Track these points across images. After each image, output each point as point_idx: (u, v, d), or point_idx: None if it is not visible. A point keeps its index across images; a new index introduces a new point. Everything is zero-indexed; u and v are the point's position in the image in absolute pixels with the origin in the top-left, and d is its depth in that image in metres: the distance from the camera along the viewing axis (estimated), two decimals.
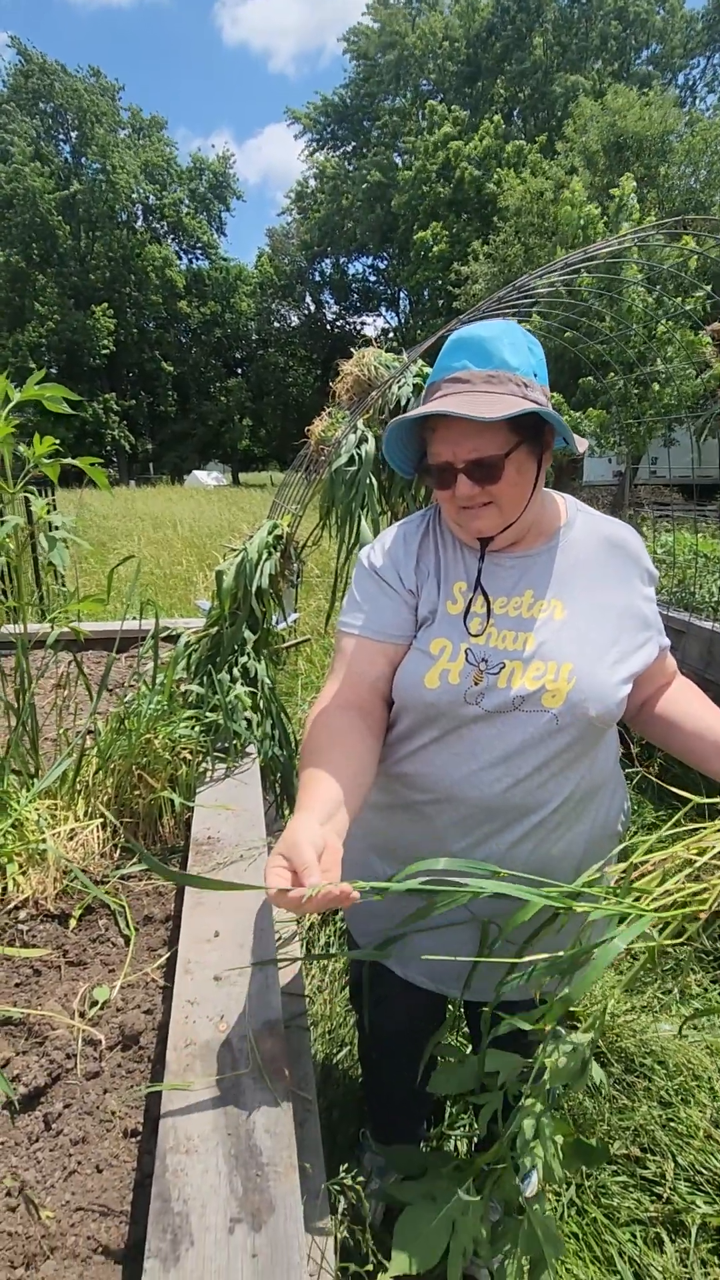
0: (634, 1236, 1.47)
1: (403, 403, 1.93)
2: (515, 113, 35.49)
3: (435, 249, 31.78)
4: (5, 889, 1.41)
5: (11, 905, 1.37)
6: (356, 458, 1.89)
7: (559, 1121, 0.72)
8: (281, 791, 2.06)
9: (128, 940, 1.32)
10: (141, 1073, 1.03)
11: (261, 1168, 0.73)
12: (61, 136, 38.97)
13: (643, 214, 10.56)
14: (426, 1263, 0.70)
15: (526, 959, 0.78)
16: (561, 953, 0.79)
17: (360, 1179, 1.00)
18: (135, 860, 1.57)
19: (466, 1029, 1.71)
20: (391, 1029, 1.37)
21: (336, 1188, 0.90)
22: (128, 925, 1.35)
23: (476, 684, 1.04)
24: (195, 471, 40.73)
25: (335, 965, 1.91)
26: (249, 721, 1.81)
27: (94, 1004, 1.14)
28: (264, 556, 1.87)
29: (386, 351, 2.14)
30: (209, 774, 1.72)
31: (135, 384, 42.75)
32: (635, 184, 10.43)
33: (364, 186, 36.08)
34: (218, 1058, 0.86)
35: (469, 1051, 1.70)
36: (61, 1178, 0.87)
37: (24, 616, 1.64)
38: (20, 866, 1.45)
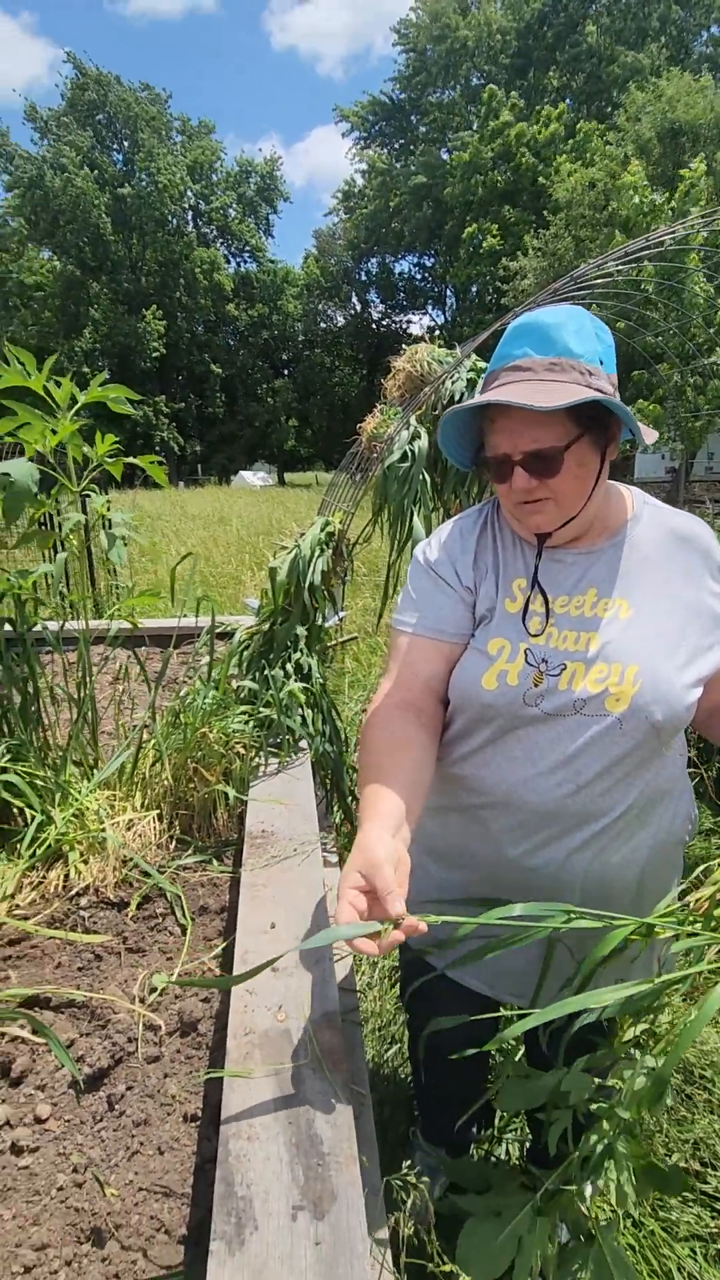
0: (694, 1252, 1.43)
1: (456, 398, 1.91)
2: (568, 102, 34.81)
3: (486, 243, 31.44)
4: (67, 876, 1.46)
5: (74, 892, 1.41)
6: (409, 454, 1.88)
7: (633, 1142, 0.70)
8: (332, 787, 2.07)
9: (184, 929, 1.34)
10: (200, 1059, 1.04)
11: (322, 1157, 0.73)
12: (114, 146, 39.98)
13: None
14: (489, 1276, 0.69)
15: (605, 992, 0.73)
16: (639, 985, 0.74)
17: (414, 1178, 0.99)
18: (190, 851, 1.60)
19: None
20: (442, 1031, 1.36)
21: (399, 1183, 0.89)
22: (184, 915, 1.37)
23: (536, 685, 1.01)
24: (242, 472, 41.28)
25: (385, 962, 1.91)
26: (302, 717, 1.82)
27: (153, 990, 1.16)
28: (317, 553, 1.88)
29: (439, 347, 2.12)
30: (262, 768, 1.74)
31: (185, 386, 43.57)
32: (705, 166, 10.07)
33: (411, 184, 35.96)
34: (277, 1047, 0.87)
35: (519, 1056, 1.67)
36: (125, 1158, 0.89)
37: (85, 611, 1.68)
38: (81, 855, 1.50)
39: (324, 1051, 0.87)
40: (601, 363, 0.94)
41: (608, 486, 1.06)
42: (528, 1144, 1.59)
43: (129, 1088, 0.98)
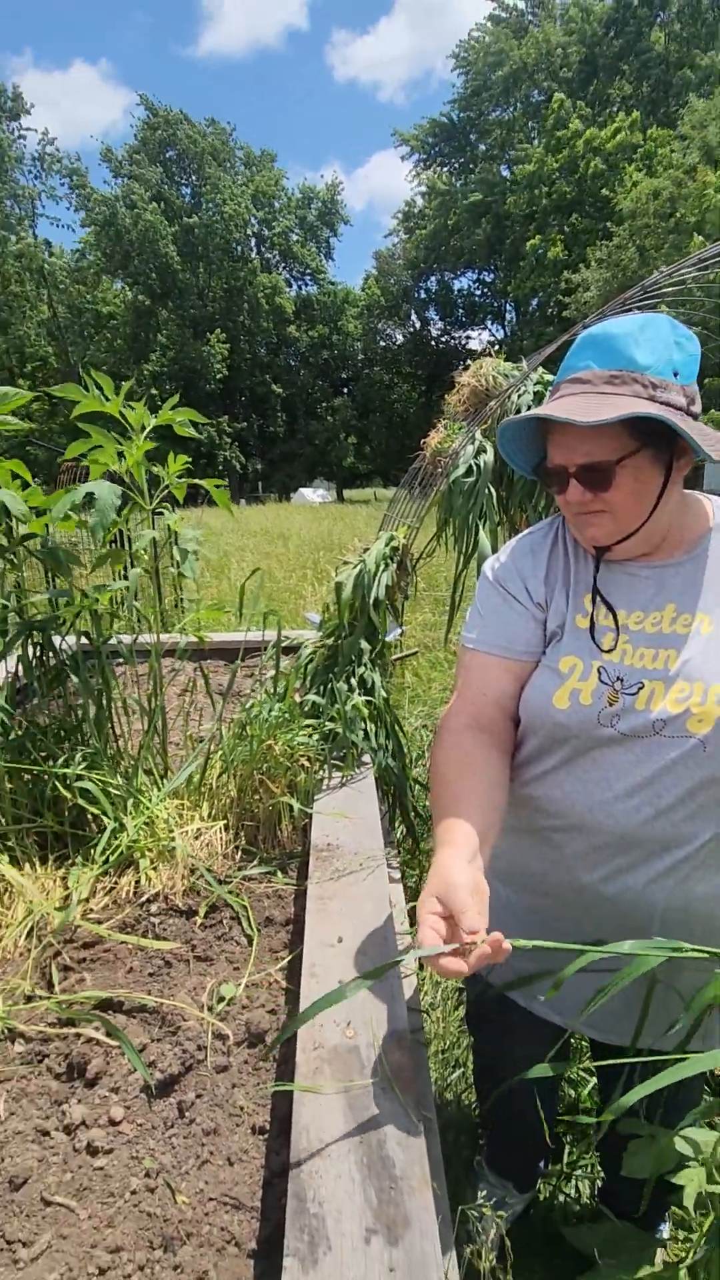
0: None
1: (522, 410, 1.90)
2: (637, 110, 34.37)
3: (550, 252, 31.21)
4: (138, 882, 1.49)
5: (144, 898, 1.44)
6: (475, 468, 1.88)
7: None
8: (394, 802, 2.06)
9: (250, 940, 1.35)
10: (267, 1071, 1.05)
11: (395, 1180, 0.72)
12: (183, 180, 41.73)
13: None
14: None
15: None
16: None
17: (489, 1209, 0.97)
18: (255, 862, 1.61)
19: (588, 1064, 1.63)
20: (510, 1059, 1.32)
21: (473, 1213, 0.87)
22: (250, 926, 1.38)
23: (611, 705, 0.98)
24: (302, 489, 41.97)
25: (449, 982, 1.87)
26: (365, 731, 1.82)
27: (221, 999, 1.17)
28: (381, 568, 1.88)
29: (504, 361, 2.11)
30: (325, 782, 1.75)
31: (247, 407, 44.73)
32: None
33: (470, 201, 36.13)
34: (345, 1064, 0.86)
35: (589, 1089, 1.61)
36: (195, 1166, 0.90)
37: (157, 625, 1.74)
38: (151, 862, 1.53)
39: (393, 1071, 0.86)
40: (676, 374, 0.90)
41: (683, 498, 1.02)
42: (599, 1183, 1.53)
43: (198, 1095, 0.99)
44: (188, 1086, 1.00)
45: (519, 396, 1.91)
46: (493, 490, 1.91)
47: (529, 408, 1.91)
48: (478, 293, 43.74)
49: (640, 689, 0.97)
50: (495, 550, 1.94)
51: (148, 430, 1.60)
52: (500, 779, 1.03)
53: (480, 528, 1.87)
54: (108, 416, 1.61)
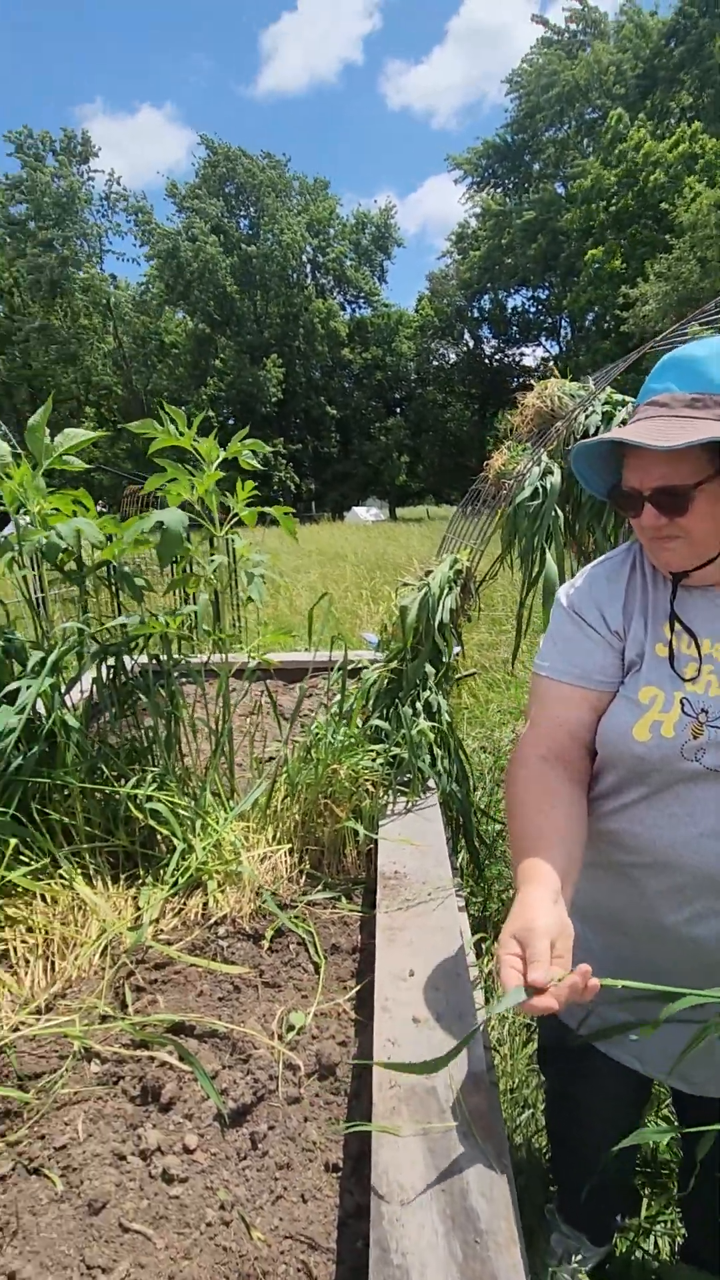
0: None
1: (591, 431, 1.87)
2: (694, 120, 33.86)
3: (608, 265, 30.92)
4: (206, 904, 1.51)
5: (212, 920, 1.45)
6: (541, 490, 1.85)
7: None
8: (458, 828, 2.03)
9: (317, 968, 1.34)
10: (339, 1105, 1.03)
11: (480, 1234, 0.69)
12: (241, 212, 43.19)
13: None
14: None
15: None
16: None
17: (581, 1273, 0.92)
18: (320, 887, 1.61)
19: (669, 1112, 1.55)
20: (588, 1105, 1.27)
21: (550, 1266, 0.83)
22: (317, 953, 1.38)
23: (695, 738, 0.94)
24: (355, 508, 42.34)
25: (517, 1019, 1.82)
26: (431, 756, 1.81)
27: (290, 1028, 1.17)
28: (446, 591, 1.87)
29: (570, 380, 2.09)
30: (390, 807, 1.74)
31: (302, 428, 45.58)
32: None
33: (525, 220, 36.17)
34: (423, 1105, 0.84)
35: (670, 1140, 1.53)
36: (269, 1201, 0.89)
37: (226, 647, 1.77)
38: (219, 884, 1.55)
39: (473, 1115, 0.83)
40: None
41: None
42: (680, 1240, 1.44)
43: (270, 1127, 0.98)
44: (260, 1117, 1.00)
45: (586, 417, 1.88)
46: (559, 512, 1.88)
47: (598, 428, 1.88)
48: (531, 309, 43.59)
49: None
50: (562, 573, 1.91)
51: (217, 462, 1.65)
52: (580, 813, 1.00)
53: (547, 550, 1.84)
54: (178, 447, 1.67)
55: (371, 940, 1.41)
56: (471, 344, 46.14)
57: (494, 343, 45.77)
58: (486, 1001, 1.82)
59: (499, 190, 40.26)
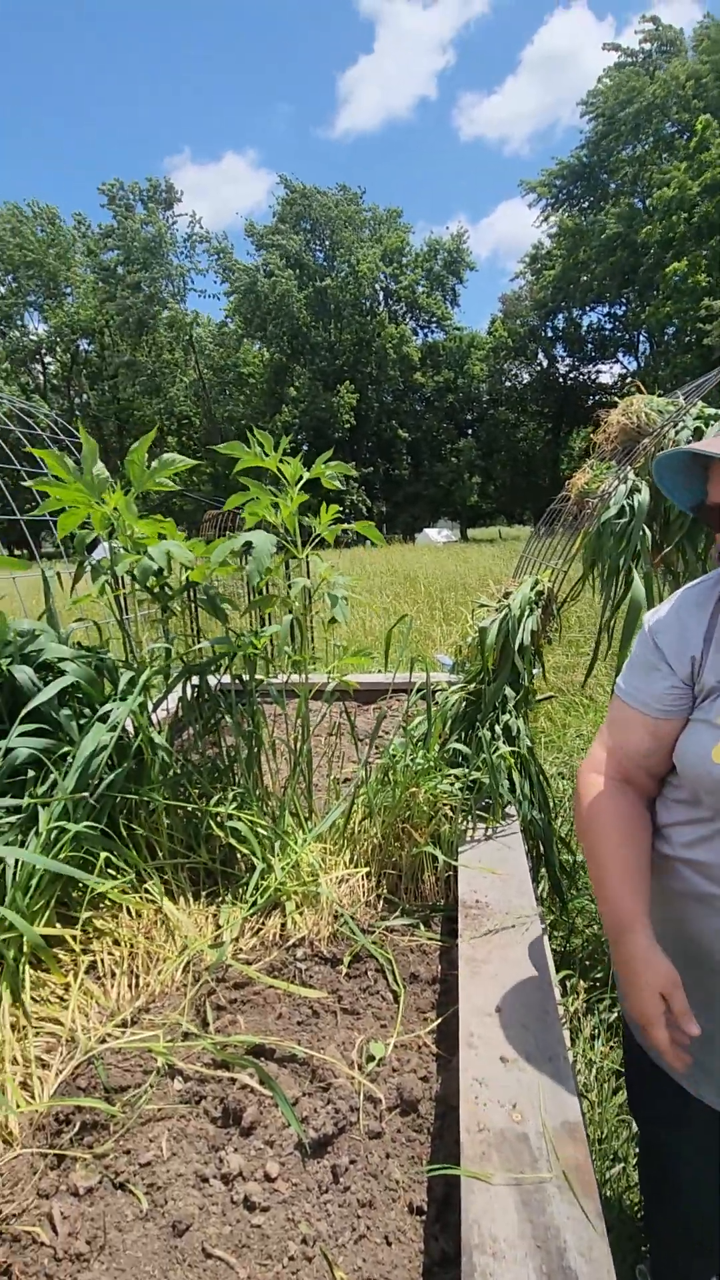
0: None
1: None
2: None
3: (691, 279, 30.06)
4: (284, 925, 1.51)
5: (290, 942, 1.45)
6: (627, 509, 1.79)
7: None
8: (540, 857, 1.96)
9: (396, 996, 1.31)
10: (421, 1144, 1.00)
11: None
12: (317, 246, 44.57)
13: None
14: None
15: None
16: None
17: None
18: (398, 913, 1.58)
19: None
20: (684, 1158, 1.18)
21: None
22: (395, 981, 1.35)
23: None
24: (426, 529, 42.36)
25: (606, 1062, 1.72)
26: (511, 781, 1.76)
27: (370, 1058, 1.14)
28: (526, 613, 1.83)
29: (658, 396, 2.02)
30: (469, 833, 1.69)
31: (373, 452, 46.12)
32: None
33: (604, 237, 35.71)
34: (515, 1152, 0.80)
35: None
36: (351, 1240, 0.86)
37: (305, 668, 1.78)
38: (297, 905, 1.54)
39: (568, 1168, 0.79)
40: None
41: None
42: None
43: (352, 1161, 0.96)
44: (341, 1149, 0.98)
45: (677, 432, 1.81)
46: (648, 531, 1.81)
47: (689, 444, 1.81)
48: (608, 326, 42.83)
49: None
50: (649, 595, 1.83)
51: (301, 482, 1.68)
52: (649, 840, 1.05)
53: (634, 571, 1.78)
54: (259, 469, 1.71)
55: (452, 971, 1.38)
56: (545, 363, 45.64)
57: (568, 361, 45.13)
58: (573, 1042, 1.74)
59: (574, 210, 39.96)
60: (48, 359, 42.90)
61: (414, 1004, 1.31)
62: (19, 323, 41.46)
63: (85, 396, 41.68)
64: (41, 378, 42.71)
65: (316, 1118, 1.01)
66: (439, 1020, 1.23)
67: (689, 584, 1.13)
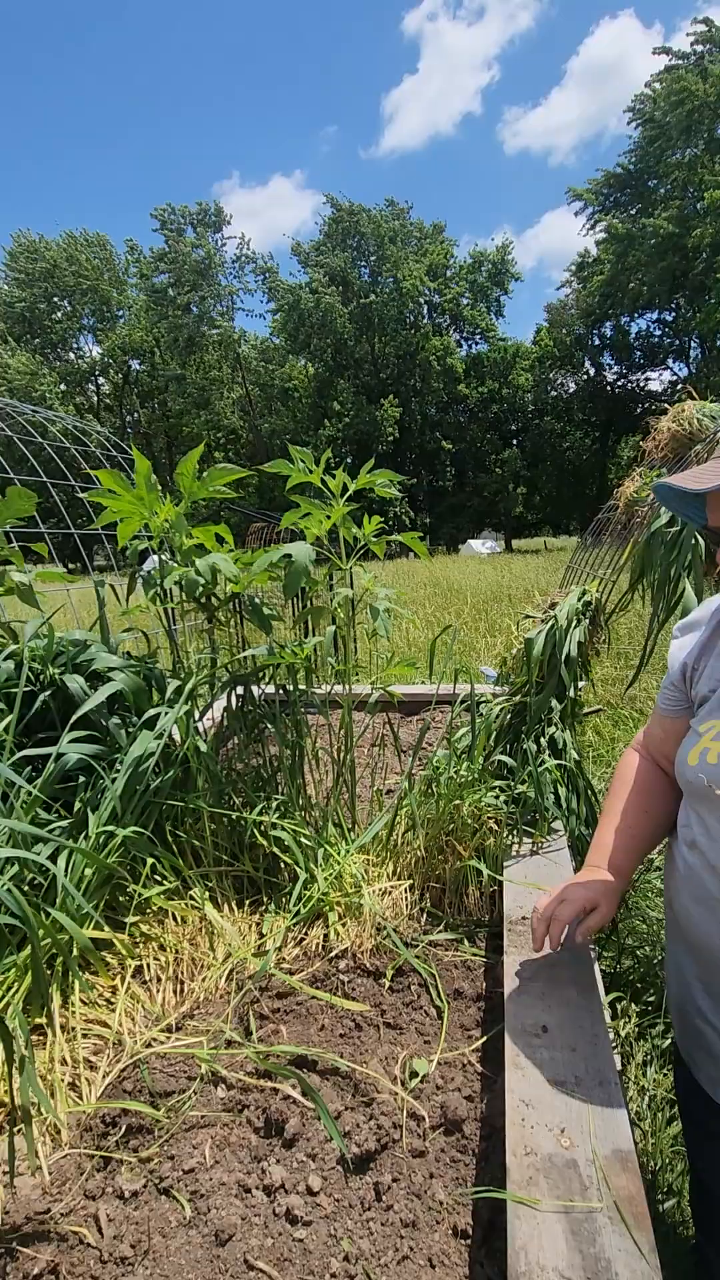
0: None
1: None
2: None
3: None
4: (326, 936, 1.50)
5: (333, 953, 1.44)
6: (680, 517, 1.74)
7: None
8: None
9: (440, 1012, 1.29)
10: (466, 1165, 0.97)
11: None
12: (363, 263, 45.10)
13: None
14: None
15: None
16: None
17: None
18: (442, 927, 1.56)
19: None
20: None
21: None
22: (439, 997, 1.33)
23: None
24: (470, 540, 42.11)
25: (660, 1090, 1.66)
26: (557, 795, 1.72)
27: (414, 1075, 1.13)
28: (574, 623, 1.80)
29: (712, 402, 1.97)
30: (515, 848, 1.66)
31: (416, 464, 46.14)
32: None
33: (654, 242, 35.15)
34: (564, 1179, 0.78)
35: None
36: (394, 1260, 0.85)
37: (349, 679, 1.79)
38: (339, 916, 1.54)
39: (620, 1198, 0.76)
40: None
41: None
42: None
43: (395, 1179, 0.94)
44: (383, 1167, 0.96)
45: None
46: (699, 539, 1.76)
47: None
48: (657, 332, 42.06)
49: None
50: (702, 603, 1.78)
51: (347, 494, 1.69)
52: (657, 802, 1.19)
53: (685, 580, 1.73)
54: (307, 483, 1.73)
55: (497, 988, 1.35)
56: (592, 371, 45.04)
57: (616, 369, 44.45)
58: (624, 1067, 1.69)
59: (621, 218, 39.46)
60: (100, 379, 44.36)
61: (458, 1020, 1.29)
62: (74, 346, 43.07)
63: (136, 415, 42.94)
64: (95, 398, 44.17)
65: (359, 1133, 1.00)
66: (484, 1039, 1.20)
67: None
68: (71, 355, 42.91)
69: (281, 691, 1.82)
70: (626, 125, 38.36)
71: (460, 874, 1.64)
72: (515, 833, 1.70)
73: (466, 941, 1.52)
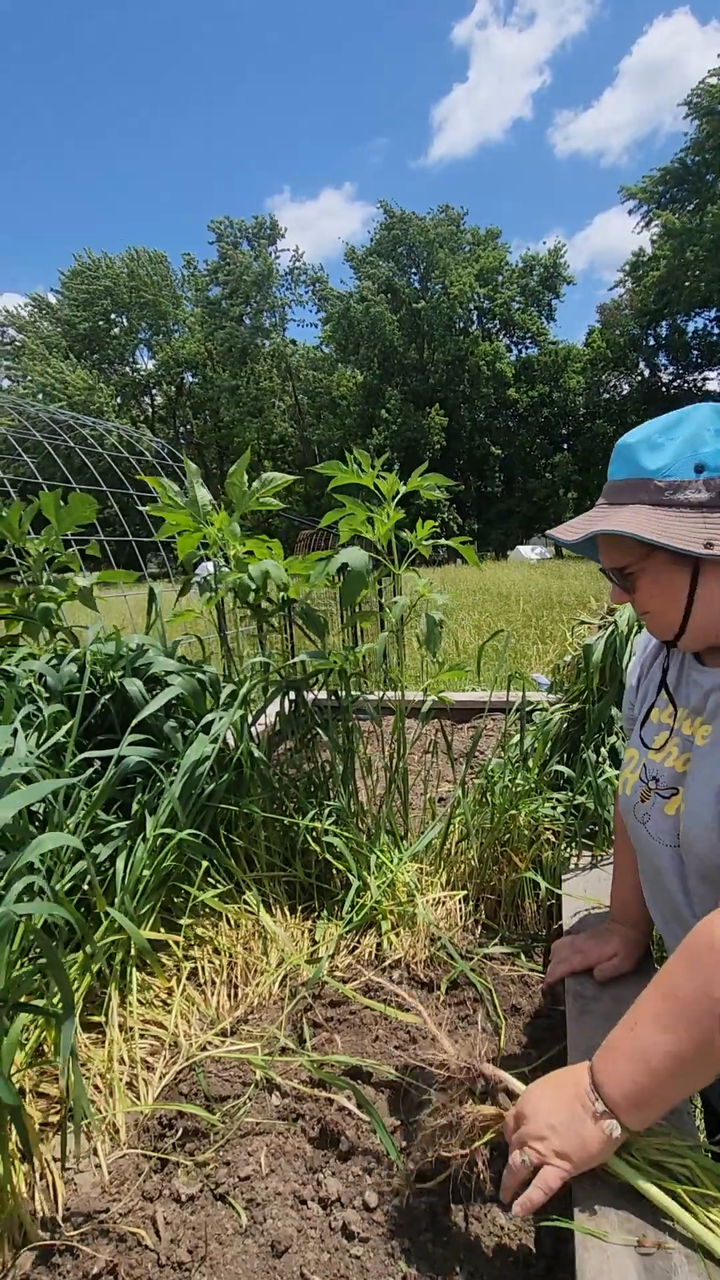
0: None
1: None
2: None
3: None
4: (379, 945, 1.49)
5: (386, 963, 1.42)
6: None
7: None
8: None
9: (496, 1028, 1.26)
10: None
11: None
12: (413, 269, 45.21)
13: None
14: None
15: None
16: None
17: None
18: (497, 940, 1.52)
19: None
20: None
21: None
22: (496, 1012, 1.30)
23: (643, 801, 0.99)
24: (519, 546, 41.55)
25: None
26: None
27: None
28: (635, 630, 1.74)
29: None
30: (573, 860, 1.61)
31: (465, 469, 45.84)
32: None
33: (711, 237, 34.20)
34: (636, 1209, 0.74)
35: None
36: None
37: (402, 685, 1.77)
38: (392, 925, 1.52)
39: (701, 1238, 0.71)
40: (702, 469, 0.84)
41: None
42: None
43: (454, 1201, 0.92)
44: (442, 1187, 0.94)
45: None
46: None
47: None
48: (715, 331, 40.82)
49: (675, 794, 0.94)
50: None
51: (398, 497, 1.68)
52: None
53: None
54: (355, 487, 1.73)
55: (556, 1006, 1.31)
56: (646, 372, 44.01)
57: (671, 369, 43.29)
58: (695, 1097, 1.61)
59: (679, 213, 38.51)
60: (154, 392, 45.62)
61: (516, 1038, 1.25)
62: (130, 359, 44.41)
63: (189, 425, 43.99)
64: (150, 409, 45.43)
65: (415, 1149, 0.98)
66: (542, 1059, 1.16)
67: None
68: (127, 369, 44.29)
69: (333, 698, 1.82)
70: (682, 120, 37.44)
71: (516, 886, 1.61)
72: (574, 845, 1.65)
73: (523, 956, 1.48)
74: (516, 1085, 0.85)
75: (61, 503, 1.84)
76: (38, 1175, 0.93)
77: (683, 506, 0.85)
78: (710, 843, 0.87)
